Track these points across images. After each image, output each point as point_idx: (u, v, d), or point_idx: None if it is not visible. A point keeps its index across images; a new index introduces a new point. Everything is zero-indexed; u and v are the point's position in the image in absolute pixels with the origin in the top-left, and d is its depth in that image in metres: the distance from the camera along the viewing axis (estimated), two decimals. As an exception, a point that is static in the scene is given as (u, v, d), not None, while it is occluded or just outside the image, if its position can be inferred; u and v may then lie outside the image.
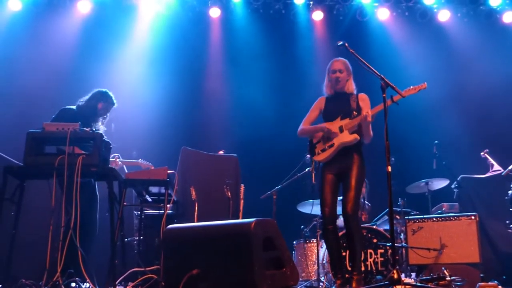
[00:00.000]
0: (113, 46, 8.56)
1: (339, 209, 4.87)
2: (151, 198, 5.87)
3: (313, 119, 5.15)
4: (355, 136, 4.84)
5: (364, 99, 5.02)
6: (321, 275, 6.18)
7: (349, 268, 4.86)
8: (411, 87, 4.67)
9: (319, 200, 4.96)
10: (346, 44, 4.64)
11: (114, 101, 5.89)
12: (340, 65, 5.04)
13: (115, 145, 5.45)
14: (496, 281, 5.82)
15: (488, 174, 7.21)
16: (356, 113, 4.90)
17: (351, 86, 5.07)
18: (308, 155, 6.42)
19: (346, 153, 4.86)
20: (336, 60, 5.09)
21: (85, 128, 4.89)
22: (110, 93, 5.90)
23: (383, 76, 4.38)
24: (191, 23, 8.88)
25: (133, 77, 8.45)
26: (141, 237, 6.12)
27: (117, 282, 4.83)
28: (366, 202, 7.18)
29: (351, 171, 4.80)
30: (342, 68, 5.03)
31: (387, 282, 4.05)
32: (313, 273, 6.45)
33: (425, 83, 4.68)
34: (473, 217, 6.15)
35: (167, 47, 8.76)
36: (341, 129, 4.89)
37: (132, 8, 8.73)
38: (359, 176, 4.81)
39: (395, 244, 5.47)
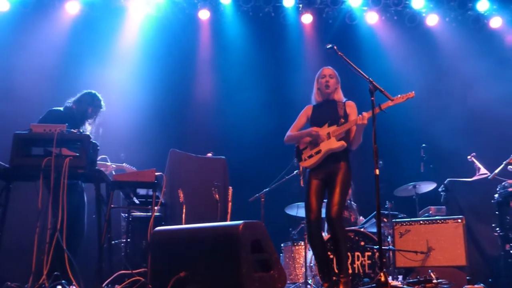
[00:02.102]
0: (102, 47, 8.51)
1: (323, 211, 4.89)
2: (139, 200, 5.85)
3: (301, 126, 5.17)
4: (342, 143, 4.86)
5: (351, 106, 5.05)
6: (308, 278, 6.18)
7: (336, 271, 4.87)
8: (399, 95, 4.68)
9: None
10: (335, 47, 4.67)
11: (102, 103, 5.86)
12: (330, 71, 5.11)
13: (102, 148, 5.43)
14: (482, 284, 5.86)
15: (475, 178, 7.25)
16: (343, 120, 4.92)
17: (340, 95, 5.11)
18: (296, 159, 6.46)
19: (332, 159, 4.88)
20: (326, 67, 5.16)
21: (72, 130, 4.86)
22: (99, 96, 5.87)
23: (371, 80, 4.40)
24: (181, 25, 8.87)
25: (121, 79, 8.40)
26: (129, 240, 6.09)
27: (104, 285, 4.80)
28: (352, 202, 7.22)
29: (336, 177, 4.81)
30: (332, 74, 5.09)
31: (374, 284, 4.07)
32: (300, 275, 6.46)
33: (413, 92, 4.70)
34: (459, 220, 6.19)
35: (156, 49, 8.74)
36: (328, 136, 4.90)
37: (121, 9, 8.70)
38: (344, 182, 4.82)
39: (383, 247, 5.49)
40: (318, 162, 4.90)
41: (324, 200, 4.92)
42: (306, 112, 5.19)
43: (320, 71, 5.17)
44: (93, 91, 5.88)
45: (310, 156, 4.95)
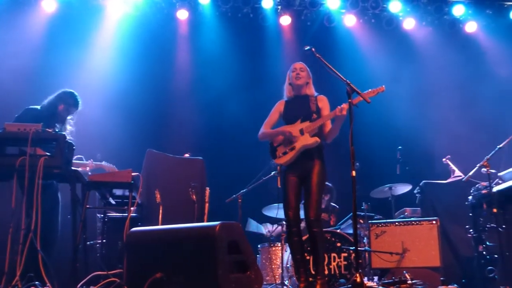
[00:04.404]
0: (79, 46, 8.40)
1: (302, 213, 4.90)
2: (115, 201, 5.80)
3: (274, 122, 5.18)
4: (316, 139, 4.87)
5: (323, 100, 5.08)
6: (285, 279, 6.20)
7: (313, 272, 4.90)
8: (370, 90, 4.72)
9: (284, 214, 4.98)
10: (313, 49, 4.69)
11: (79, 102, 5.77)
12: (301, 65, 5.15)
13: (79, 148, 5.37)
14: (456, 285, 5.95)
15: (449, 180, 7.36)
16: (316, 116, 4.94)
17: (311, 89, 5.13)
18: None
19: (307, 156, 4.88)
20: (297, 62, 5.19)
21: (47, 129, 4.79)
22: (76, 94, 5.78)
23: (349, 82, 4.43)
24: (159, 24, 8.81)
25: (99, 77, 8.31)
26: (104, 240, 6.03)
27: (78, 286, 4.74)
28: (334, 205, 7.26)
29: (312, 174, 4.82)
30: (303, 68, 5.12)
31: (350, 285, 4.10)
32: (277, 276, 6.47)
33: (383, 86, 4.75)
34: (434, 222, 6.26)
35: (134, 48, 8.66)
36: (301, 132, 4.91)
37: (99, 8, 8.61)
38: (320, 179, 4.84)
39: (359, 248, 5.52)
40: (292, 159, 4.91)
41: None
42: (278, 107, 5.20)
43: (291, 66, 5.20)
44: (71, 90, 5.80)
45: (285, 153, 4.95)
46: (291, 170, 4.94)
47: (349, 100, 4.44)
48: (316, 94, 5.12)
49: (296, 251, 4.90)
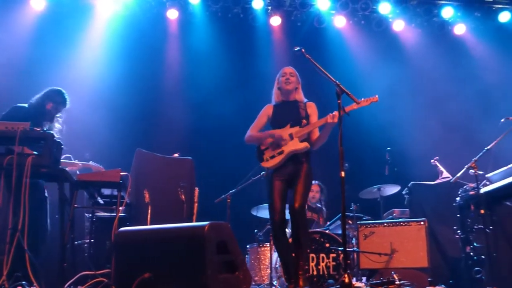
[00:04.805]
0: (68, 44, 8.35)
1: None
2: (103, 201, 5.77)
3: (261, 126, 5.15)
4: (306, 144, 4.88)
5: (311, 106, 5.08)
6: (273, 279, 6.20)
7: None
8: (363, 99, 4.72)
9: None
10: (303, 50, 4.69)
11: (67, 101, 5.73)
12: (291, 70, 5.14)
13: (67, 147, 5.34)
14: (443, 285, 5.99)
15: (437, 181, 7.40)
16: (305, 122, 4.94)
17: (300, 95, 5.13)
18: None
19: (294, 160, 4.89)
20: (287, 67, 5.17)
21: (35, 128, 4.76)
22: (64, 92, 5.74)
23: (338, 83, 4.43)
24: (149, 23, 8.79)
25: (88, 76, 8.27)
26: (92, 240, 6.00)
27: (66, 286, 4.71)
28: (323, 207, 7.28)
29: (299, 177, 4.82)
30: (292, 73, 5.11)
31: (338, 286, 4.10)
32: (266, 277, 6.47)
33: (376, 96, 4.75)
34: (422, 223, 6.29)
35: (124, 47, 8.63)
36: (291, 137, 4.90)
37: (89, 7, 8.56)
38: (306, 181, 4.84)
39: (347, 249, 5.54)
40: (280, 163, 4.89)
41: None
42: (266, 111, 5.17)
43: (280, 71, 5.18)
44: (58, 88, 5.76)
45: (273, 157, 4.93)
46: (278, 173, 4.92)
47: (338, 101, 4.43)
48: (305, 100, 5.13)
49: (284, 253, 4.89)
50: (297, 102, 5.08)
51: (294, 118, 4.97)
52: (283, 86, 5.07)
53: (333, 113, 4.69)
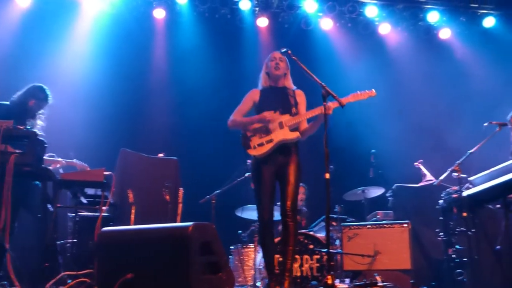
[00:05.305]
0: (53, 42, 8.29)
1: (276, 215, 4.85)
2: (87, 200, 5.72)
3: (246, 111, 4.92)
4: (297, 134, 4.71)
5: (301, 95, 4.91)
6: (257, 280, 6.20)
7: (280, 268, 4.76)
8: (358, 92, 4.68)
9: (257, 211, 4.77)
10: (289, 52, 4.68)
11: (49, 97, 5.66)
12: (280, 55, 4.88)
13: (51, 145, 5.29)
14: (426, 287, 6.03)
15: (421, 184, 7.45)
16: (295, 110, 4.78)
17: (289, 82, 4.93)
18: (249, 161, 6.44)
19: (283, 151, 4.70)
20: (276, 51, 4.92)
21: (19, 126, 4.71)
22: (45, 89, 5.65)
23: (324, 85, 4.41)
24: (136, 23, 8.75)
25: (73, 74, 8.21)
26: (75, 240, 5.95)
27: (47, 286, 4.67)
28: (303, 207, 7.29)
29: (289, 167, 4.65)
30: (282, 58, 4.88)
31: (322, 287, 4.11)
32: (249, 278, 6.47)
33: (373, 90, 4.72)
34: (405, 225, 6.32)
35: (110, 45, 8.58)
36: (281, 125, 4.71)
37: (75, 4, 8.50)
38: (297, 172, 4.68)
39: (331, 250, 5.56)
40: (268, 152, 4.67)
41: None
42: (252, 96, 4.94)
43: (269, 55, 4.96)
44: (40, 84, 5.66)
45: (261, 145, 4.69)
46: (266, 163, 4.69)
47: (324, 103, 4.41)
48: (294, 87, 4.94)
49: (269, 251, 4.76)
50: (286, 88, 4.89)
51: (284, 105, 4.77)
52: (272, 71, 4.86)
53: (328, 103, 4.45)
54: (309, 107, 4.94)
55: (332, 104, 4.50)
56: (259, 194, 4.71)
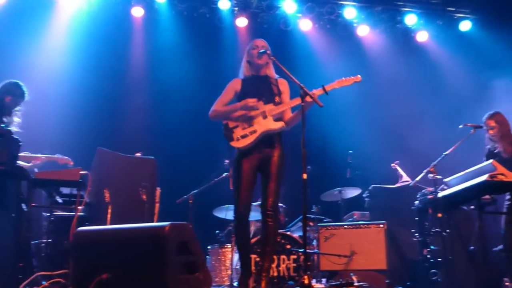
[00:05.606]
0: (30, 40, 8.16)
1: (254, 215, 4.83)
2: (62, 199, 5.66)
3: (227, 102, 4.77)
4: (282, 124, 4.60)
5: (284, 84, 4.79)
6: (234, 280, 6.19)
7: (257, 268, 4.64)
8: (343, 78, 4.63)
9: (233, 205, 4.61)
10: (268, 52, 4.69)
11: (25, 93, 5.57)
12: (263, 42, 4.79)
13: (25, 143, 5.21)
14: (401, 287, 6.09)
15: (397, 185, 7.52)
16: (279, 99, 4.65)
17: (272, 71, 4.81)
18: (227, 161, 6.42)
19: (267, 142, 4.57)
20: (258, 39, 4.84)
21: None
22: (22, 85, 5.57)
23: (302, 86, 4.40)
24: (114, 21, 8.66)
25: (48, 72, 8.09)
26: (50, 240, 5.87)
27: (21, 286, 4.61)
28: (281, 204, 7.29)
29: (272, 160, 4.53)
30: (265, 46, 4.75)
31: (298, 287, 4.12)
32: (226, 278, 6.46)
33: (359, 75, 4.71)
34: (381, 226, 6.38)
35: (87, 43, 8.48)
36: (264, 115, 4.58)
37: (51, 2, 8.39)
38: (280, 165, 4.55)
39: (308, 250, 5.57)
40: (253, 143, 4.52)
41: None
42: (233, 86, 4.79)
43: (251, 42, 4.84)
44: (16, 81, 5.57)
45: (244, 136, 4.54)
46: (249, 155, 4.54)
47: (302, 104, 4.42)
48: (276, 76, 4.81)
49: (243, 244, 4.61)
50: (268, 77, 4.76)
51: (267, 94, 4.64)
52: (254, 59, 4.73)
53: (312, 91, 4.40)
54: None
55: (316, 91, 4.45)
56: (238, 186, 4.54)
